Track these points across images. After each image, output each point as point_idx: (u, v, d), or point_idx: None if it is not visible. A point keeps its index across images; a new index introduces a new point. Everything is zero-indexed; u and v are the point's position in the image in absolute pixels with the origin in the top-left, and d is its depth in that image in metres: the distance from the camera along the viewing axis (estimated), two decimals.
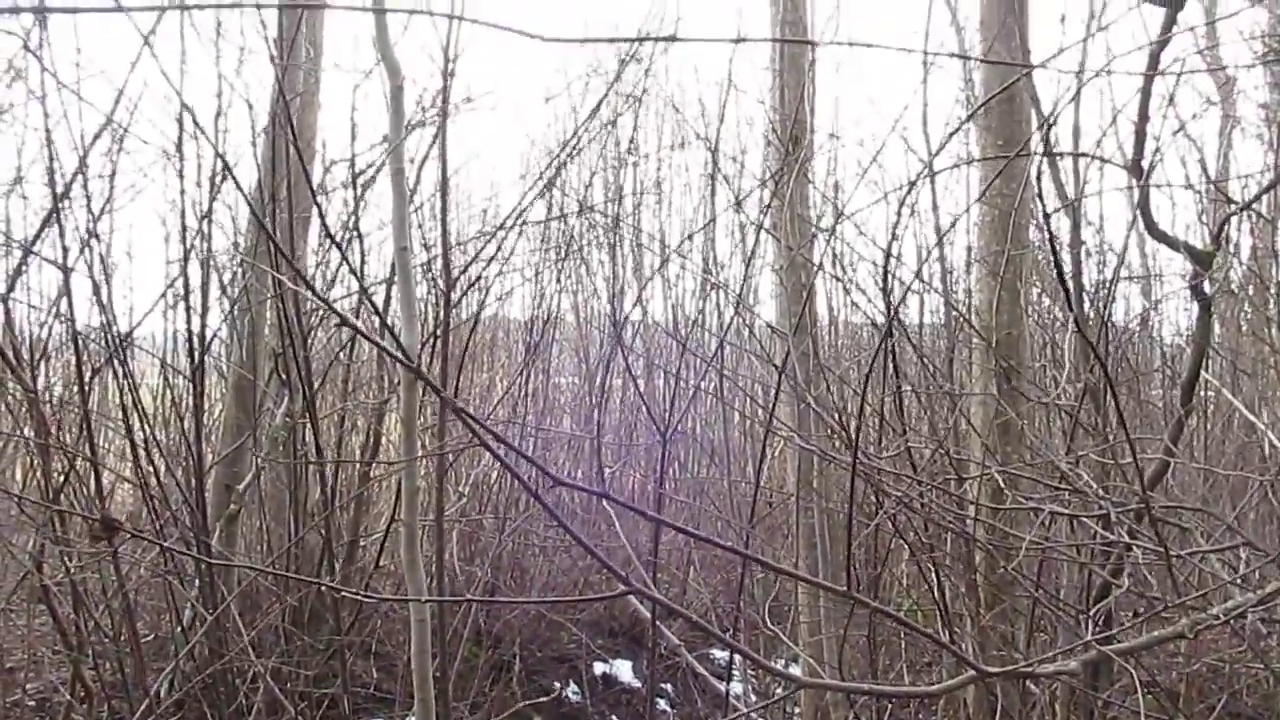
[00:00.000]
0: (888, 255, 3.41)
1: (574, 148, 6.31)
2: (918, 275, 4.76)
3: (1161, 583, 3.20)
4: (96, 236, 4.48)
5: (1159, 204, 9.89)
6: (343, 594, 2.43)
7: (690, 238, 9.53)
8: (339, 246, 4.15)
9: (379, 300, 5.61)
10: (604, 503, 1.82)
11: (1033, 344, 6.03)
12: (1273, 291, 6.62)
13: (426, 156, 5.83)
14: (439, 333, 4.11)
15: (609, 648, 8.17)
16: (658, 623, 2.75)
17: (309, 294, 3.80)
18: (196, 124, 4.22)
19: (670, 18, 7.54)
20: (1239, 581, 2.59)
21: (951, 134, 2.97)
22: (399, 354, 2.16)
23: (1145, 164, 3.36)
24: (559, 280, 8.49)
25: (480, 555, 7.49)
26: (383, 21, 2.52)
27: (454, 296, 4.22)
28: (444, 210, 3.31)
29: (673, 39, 1.60)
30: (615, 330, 7.97)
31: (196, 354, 4.58)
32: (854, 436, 2.46)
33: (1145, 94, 3.42)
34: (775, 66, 5.41)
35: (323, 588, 4.92)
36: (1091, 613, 3.32)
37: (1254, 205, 6.25)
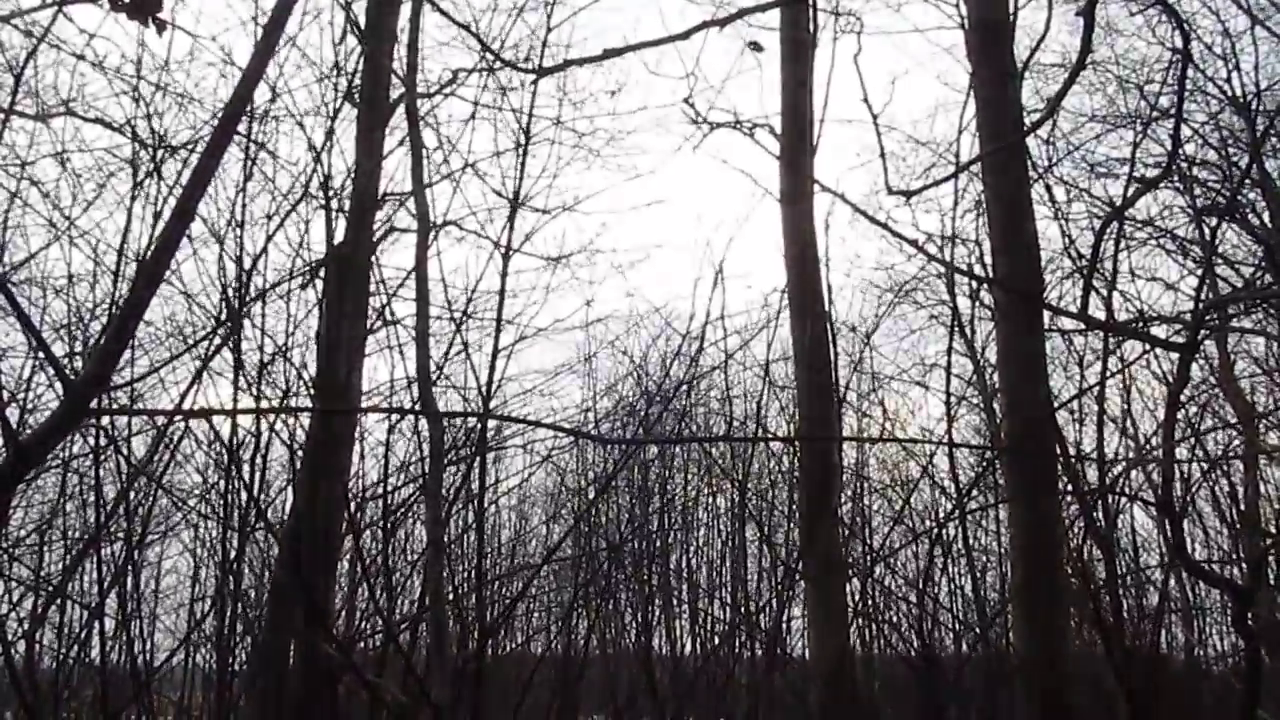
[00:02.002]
0: (921, 595, 3.38)
1: (603, 490, 6.38)
2: (952, 614, 4.69)
3: None
4: (131, 570, 4.56)
5: (1190, 530, 9.71)
6: None
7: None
8: (374, 594, 4.14)
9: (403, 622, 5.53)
10: None
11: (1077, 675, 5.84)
12: None
13: (458, 494, 5.87)
14: (470, 676, 4.04)
15: None
16: None
17: (337, 652, 3.77)
18: (237, 467, 4.34)
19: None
20: None
21: (978, 477, 3.02)
22: None
23: (1176, 503, 3.37)
24: (587, 617, 8.36)
25: None
26: (428, 390, 2.64)
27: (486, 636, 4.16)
28: (479, 561, 3.33)
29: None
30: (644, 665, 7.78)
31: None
32: None
33: (1168, 434, 3.47)
34: (807, 414, 5.49)
35: None
36: None
37: None
